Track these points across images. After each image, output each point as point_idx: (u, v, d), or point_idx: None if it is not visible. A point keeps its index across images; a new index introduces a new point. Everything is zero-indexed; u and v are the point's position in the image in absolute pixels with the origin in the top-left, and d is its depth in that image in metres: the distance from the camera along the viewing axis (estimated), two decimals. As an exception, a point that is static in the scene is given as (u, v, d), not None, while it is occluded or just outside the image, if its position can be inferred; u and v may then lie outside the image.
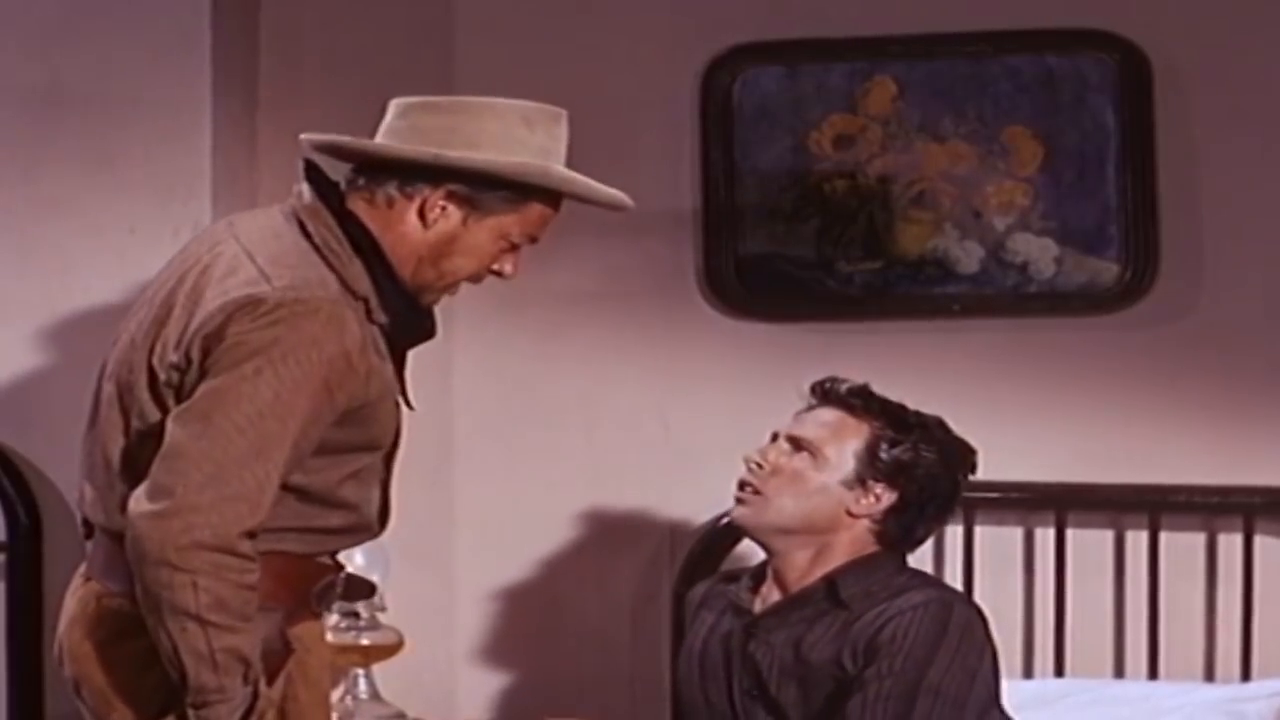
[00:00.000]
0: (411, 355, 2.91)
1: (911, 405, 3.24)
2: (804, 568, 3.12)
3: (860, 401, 3.15)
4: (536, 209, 2.85)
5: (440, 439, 4.16)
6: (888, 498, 3.11)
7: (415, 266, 2.81)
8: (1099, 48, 3.95)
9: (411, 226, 2.80)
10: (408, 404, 2.89)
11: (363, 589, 3.07)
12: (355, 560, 3.50)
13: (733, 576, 3.33)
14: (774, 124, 4.10)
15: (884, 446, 3.10)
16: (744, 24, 4.10)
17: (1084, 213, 3.98)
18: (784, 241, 4.11)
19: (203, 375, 2.64)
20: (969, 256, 4.04)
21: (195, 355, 2.65)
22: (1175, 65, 3.93)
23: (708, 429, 4.05)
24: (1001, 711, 3.11)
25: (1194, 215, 3.96)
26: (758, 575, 3.22)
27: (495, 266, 2.87)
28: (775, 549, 3.16)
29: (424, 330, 2.90)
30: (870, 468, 3.10)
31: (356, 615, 3.89)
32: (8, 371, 3.89)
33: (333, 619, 3.78)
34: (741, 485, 3.16)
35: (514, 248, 2.87)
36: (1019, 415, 4.03)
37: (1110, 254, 3.97)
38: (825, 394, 3.19)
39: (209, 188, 3.79)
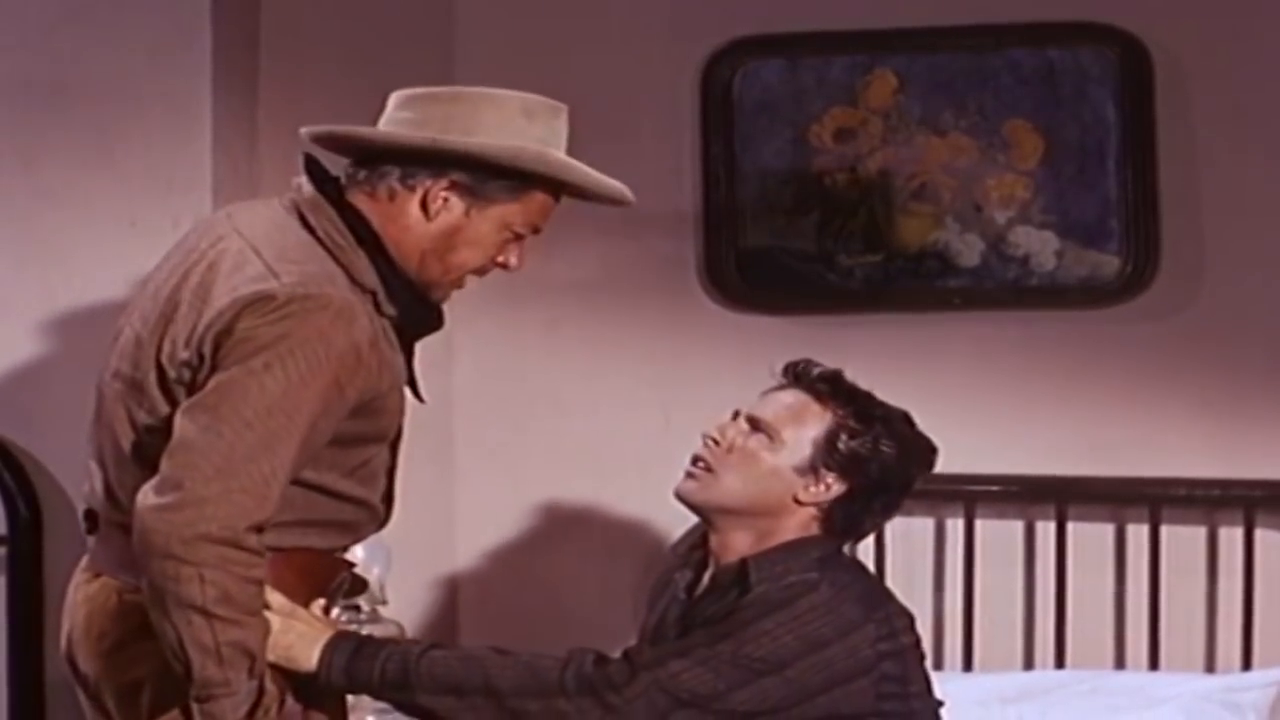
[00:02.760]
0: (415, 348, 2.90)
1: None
2: (740, 551, 2.98)
3: (827, 388, 3.02)
4: (539, 197, 2.82)
5: (441, 433, 4.16)
6: (837, 488, 2.98)
7: (420, 261, 2.79)
8: (1100, 41, 3.95)
9: (414, 219, 2.78)
10: (418, 397, 2.88)
11: (359, 585, 3.08)
12: (356, 554, 3.50)
13: (685, 559, 3.17)
14: (774, 117, 4.10)
15: (844, 437, 2.97)
16: (744, 17, 4.10)
17: (1085, 206, 3.98)
18: (784, 235, 4.11)
19: (213, 371, 2.63)
20: (970, 250, 4.04)
21: (207, 351, 2.65)
22: (1176, 59, 3.94)
23: (709, 422, 4.03)
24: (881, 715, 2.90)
25: (1194, 209, 3.96)
26: (700, 560, 3.09)
27: (500, 258, 2.85)
28: (717, 526, 3.03)
29: (432, 322, 2.89)
30: (826, 456, 2.97)
31: (358, 609, 3.88)
32: (7, 364, 3.88)
33: (334, 612, 3.77)
34: (695, 460, 3.04)
35: (518, 238, 2.84)
36: (1020, 408, 4.03)
37: (1111, 247, 3.97)
38: (796, 376, 3.07)
39: (209, 181, 3.78)
